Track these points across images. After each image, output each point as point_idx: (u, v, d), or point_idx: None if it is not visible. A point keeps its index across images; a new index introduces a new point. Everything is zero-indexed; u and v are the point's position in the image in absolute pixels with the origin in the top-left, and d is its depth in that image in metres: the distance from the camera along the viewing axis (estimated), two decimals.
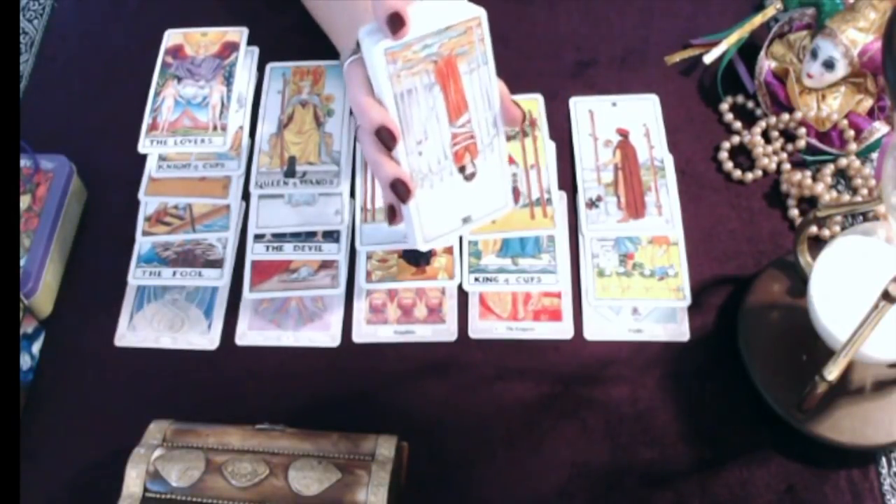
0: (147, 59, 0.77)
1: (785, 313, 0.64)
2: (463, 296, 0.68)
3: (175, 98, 0.74)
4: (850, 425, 0.60)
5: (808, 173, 0.71)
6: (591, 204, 0.71)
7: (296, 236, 0.70)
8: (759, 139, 0.73)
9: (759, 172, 0.72)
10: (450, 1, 0.53)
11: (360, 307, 0.68)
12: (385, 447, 0.57)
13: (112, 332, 0.68)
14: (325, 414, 0.64)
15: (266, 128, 0.75)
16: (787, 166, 0.72)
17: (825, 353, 0.57)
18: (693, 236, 0.70)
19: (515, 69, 0.70)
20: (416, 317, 0.68)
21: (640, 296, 0.67)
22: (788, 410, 0.60)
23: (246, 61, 0.77)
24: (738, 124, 0.75)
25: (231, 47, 0.77)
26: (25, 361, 0.65)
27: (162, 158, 0.73)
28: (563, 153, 0.74)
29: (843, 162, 0.71)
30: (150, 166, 0.73)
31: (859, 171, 0.71)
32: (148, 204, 0.72)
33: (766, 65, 0.74)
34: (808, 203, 0.71)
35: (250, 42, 0.78)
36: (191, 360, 0.67)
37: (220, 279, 0.69)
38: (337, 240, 0.70)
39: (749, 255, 0.69)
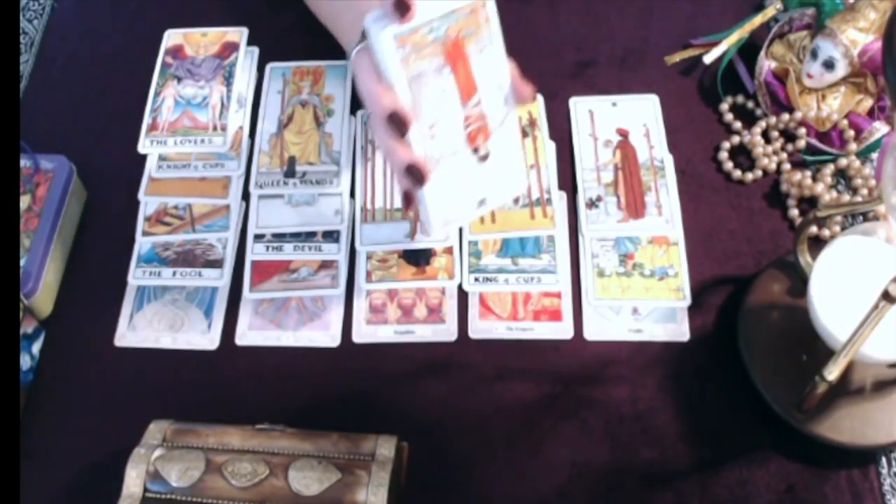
0: (147, 59, 0.77)
1: (785, 313, 0.64)
2: (463, 296, 0.68)
3: (175, 98, 0.74)
4: (850, 425, 0.60)
5: (808, 173, 0.71)
6: (591, 204, 0.71)
7: (296, 236, 0.70)
8: (759, 139, 0.73)
9: (759, 172, 0.72)
10: None
11: (360, 307, 0.68)
12: (385, 447, 0.57)
13: (112, 332, 0.68)
14: (325, 414, 0.64)
15: (266, 128, 0.75)
16: (787, 166, 0.72)
17: (825, 353, 0.57)
18: (693, 236, 0.70)
19: None
20: (416, 317, 0.68)
21: (640, 296, 0.67)
22: (788, 410, 0.60)
23: (246, 61, 0.77)
24: (738, 124, 0.75)
25: (231, 47, 0.77)
26: (25, 361, 0.65)
27: (162, 158, 0.73)
28: (563, 153, 0.74)
29: (843, 162, 0.71)
30: (150, 166, 0.73)
31: (859, 171, 0.71)
32: (148, 204, 0.72)
33: (766, 65, 0.74)
34: (808, 203, 0.71)
35: (250, 42, 0.78)
36: (191, 360, 0.67)
37: (220, 279, 0.69)
38: (337, 240, 0.70)
39: (749, 255, 0.69)
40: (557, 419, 0.63)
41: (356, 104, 0.76)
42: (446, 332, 0.67)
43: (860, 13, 0.70)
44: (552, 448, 0.62)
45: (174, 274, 0.69)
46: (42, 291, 0.68)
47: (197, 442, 0.58)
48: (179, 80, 0.75)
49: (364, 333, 0.67)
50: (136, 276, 0.70)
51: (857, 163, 0.71)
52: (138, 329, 0.68)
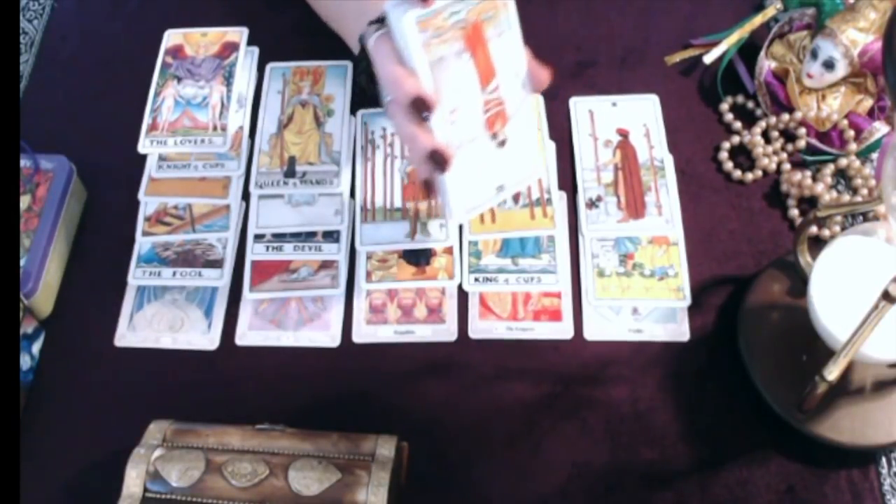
0: (147, 59, 0.77)
1: (785, 313, 0.64)
2: (463, 296, 0.68)
3: (175, 98, 0.74)
4: (850, 425, 0.60)
5: (808, 173, 0.71)
6: (591, 204, 0.71)
7: (296, 236, 0.70)
8: (759, 139, 0.73)
9: (759, 172, 0.72)
10: None
11: (360, 307, 0.68)
12: (385, 447, 0.57)
13: (112, 332, 0.68)
14: (325, 414, 0.64)
15: (266, 128, 0.75)
16: (787, 166, 0.72)
17: (825, 353, 0.57)
18: (693, 236, 0.70)
19: None
20: (416, 317, 0.68)
21: (640, 296, 0.67)
22: (788, 410, 0.60)
23: (246, 61, 0.77)
24: (738, 124, 0.75)
25: (231, 47, 0.77)
26: (25, 361, 0.65)
27: (162, 158, 0.73)
28: (563, 153, 0.74)
29: (843, 162, 0.71)
30: (150, 166, 0.73)
31: (859, 171, 0.71)
32: (148, 204, 0.72)
33: (766, 65, 0.74)
34: (808, 203, 0.71)
35: (250, 42, 0.78)
36: (191, 360, 0.67)
37: (220, 279, 0.69)
38: (337, 240, 0.70)
39: (749, 255, 0.69)
40: (557, 419, 0.63)
41: (356, 104, 0.76)
42: (446, 332, 0.67)
43: (860, 13, 0.70)
44: (552, 448, 0.62)
45: (174, 274, 0.69)
46: (42, 291, 0.68)
47: (197, 442, 0.58)
48: (179, 80, 0.75)
49: (364, 333, 0.67)
50: (136, 276, 0.70)
51: (857, 163, 0.71)
52: (138, 329, 0.68)
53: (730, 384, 0.64)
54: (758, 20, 0.77)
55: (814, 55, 0.71)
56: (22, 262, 0.67)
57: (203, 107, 0.74)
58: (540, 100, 0.75)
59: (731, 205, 0.72)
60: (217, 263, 0.70)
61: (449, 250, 0.69)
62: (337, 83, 0.76)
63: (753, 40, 0.77)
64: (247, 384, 0.66)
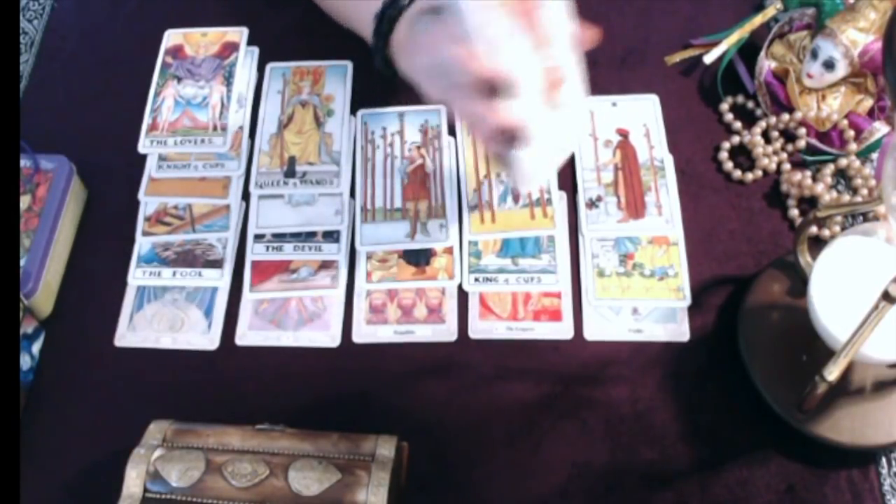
0: (147, 59, 0.77)
1: (785, 313, 0.64)
2: (463, 296, 0.68)
3: (175, 98, 0.74)
4: (850, 425, 0.60)
5: (808, 173, 0.71)
6: (591, 204, 0.71)
7: (296, 236, 0.70)
8: (759, 139, 0.73)
9: (759, 172, 0.72)
10: None
11: (360, 307, 0.68)
12: (385, 447, 0.57)
13: (112, 332, 0.68)
14: (325, 414, 0.64)
15: (266, 128, 0.75)
16: (787, 166, 0.72)
17: (825, 353, 0.57)
18: (693, 236, 0.70)
19: None
20: (416, 317, 0.68)
21: (640, 296, 0.67)
22: (788, 410, 0.60)
23: (246, 61, 0.77)
24: (738, 124, 0.75)
25: (231, 47, 0.77)
26: (25, 361, 0.65)
27: (162, 158, 0.73)
28: None
29: (843, 162, 0.71)
30: (150, 166, 0.73)
31: (859, 171, 0.71)
32: (148, 204, 0.72)
33: (766, 65, 0.74)
34: (808, 203, 0.71)
35: (250, 42, 0.78)
36: (191, 360, 0.67)
37: (220, 279, 0.69)
38: (337, 240, 0.70)
39: (749, 255, 0.69)
40: (557, 419, 0.63)
41: (356, 104, 0.76)
42: (446, 332, 0.67)
43: (860, 13, 0.70)
44: (552, 448, 0.62)
45: (174, 274, 0.69)
46: (42, 291, 0.68)
47: (197, 442, 0.58)
48: (179, 80, 0.75)
49: (364, 333, 0.67)
50: (136, 277, 0.70)
51: (857, 163, 0.71)
52: (138, 329, 0.68)
53: (730, 384, 0.64)
54: (758, 20, 0.77)
55: (814, 55, 0.71)
56: (22, 262, 0.67)
57: (203, 107, 0.74)
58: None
59: (731, 205, 0.72)
60: (217, 263, 0.70)
61: (449, 250, 0.69)
62: (337, 83, 0.76)
63: (753, 40, 0.77)
64: (247, 384, 0.66)
